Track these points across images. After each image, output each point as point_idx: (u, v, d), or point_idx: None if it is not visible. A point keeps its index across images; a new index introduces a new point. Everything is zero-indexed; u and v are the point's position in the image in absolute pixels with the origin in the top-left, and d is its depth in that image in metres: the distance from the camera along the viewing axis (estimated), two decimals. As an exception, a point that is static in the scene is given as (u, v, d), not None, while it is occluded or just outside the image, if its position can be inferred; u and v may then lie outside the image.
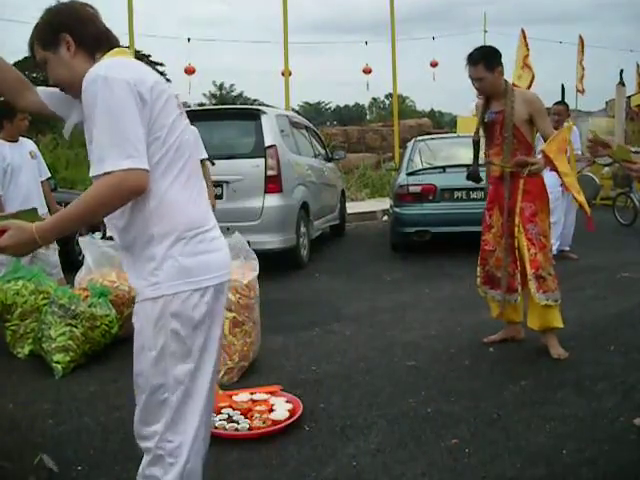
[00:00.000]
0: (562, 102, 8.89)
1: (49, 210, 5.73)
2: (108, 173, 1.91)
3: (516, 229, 4.65)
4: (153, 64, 40.30)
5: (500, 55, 4.69)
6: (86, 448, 3.48)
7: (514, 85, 4.97)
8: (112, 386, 4.34)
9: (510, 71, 9.68)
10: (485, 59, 4.59)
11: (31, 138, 6.43)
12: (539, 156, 4.69)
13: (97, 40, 2.17)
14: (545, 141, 4.61)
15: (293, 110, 18.49)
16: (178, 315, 2.07)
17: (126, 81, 1.95)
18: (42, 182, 5.91)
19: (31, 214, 2.11)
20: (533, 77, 10.70)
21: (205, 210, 2.19)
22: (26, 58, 38.79)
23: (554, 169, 4.57)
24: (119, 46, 2.23)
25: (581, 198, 4.62)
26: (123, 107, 1.94)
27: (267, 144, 7.81)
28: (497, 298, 4.89)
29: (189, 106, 20.04)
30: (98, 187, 1.93)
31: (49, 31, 2.14)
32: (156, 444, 2.12)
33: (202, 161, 6.12)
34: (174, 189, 2.08)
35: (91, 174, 1.96)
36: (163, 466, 2.11)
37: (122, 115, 1.93)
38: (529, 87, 9.15)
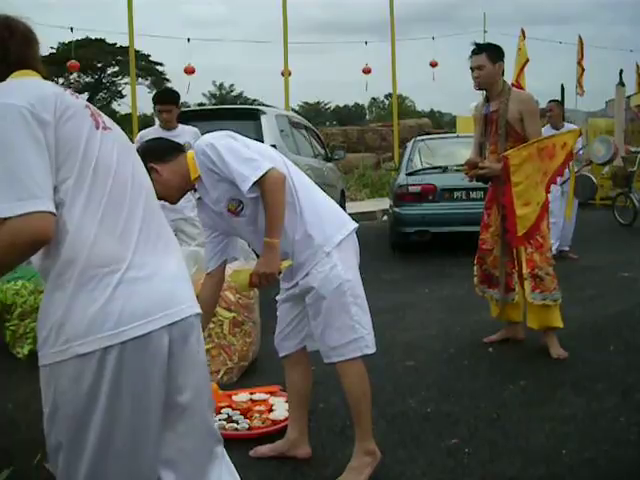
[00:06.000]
0: (555, 100, 8.90)
1: None
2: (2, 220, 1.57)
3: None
4: (153, 64, 40.41)
5: (503, 53, 4.78)
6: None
7: (515, 86, 4.99)
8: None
9: (510, 71, 9.67)
10: (489, 50, 4.74)
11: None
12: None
13: None
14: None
15: (293, 110, 18.49)
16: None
17: (16, 107, 1.64)
18: None
19: None
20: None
21: (125, 244, 1.76)
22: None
23: (507, 177, 4.53)
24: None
25: (521, 212, 4.55)
26: (13, 140, 1.62)
27: (267, 144, 7.78)
28: (495, 297, 4.90)
29: (189, 106, 20.06)
30: None
31: None
32: None
33: None
34: (85, 222, 1.71)
35: None
36: None
37: (12, 150, 1.61)
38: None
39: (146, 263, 1.78)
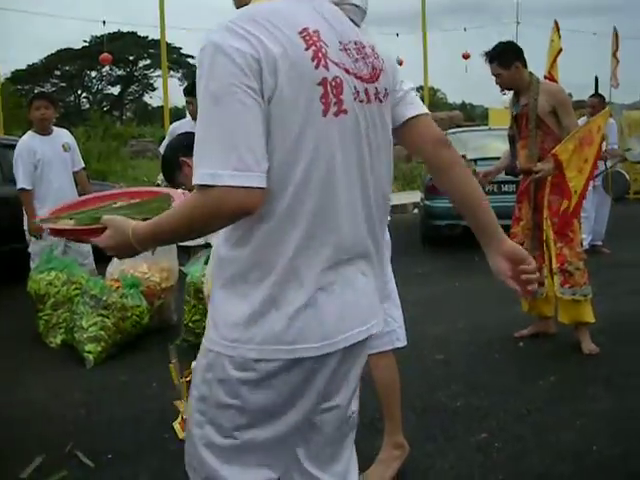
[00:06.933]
0: (597, 94, 8.79)
1: None
2: (206, 186, 1.39)
3: (544, 222, 4.61)
4: (184, 57, 40.62)
5: (518, 50, 4.72)
6: (116, 437, 3.52)
7: (547, 78, 4.93)
8: (142, 376, 4.36)
9: (542, 62, 9.57)
10: (498, 57, 4.67)
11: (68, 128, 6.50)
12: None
13: None
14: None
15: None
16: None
17: (244, 55, 1.38)
18: (77, 173, 5.92)
19: (163, 201, 1.85)
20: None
21: (324, 262, 1.55)
22: (59, 52, 38.73)
23: (561, 173, 4.48)
24: None
25: (573, 201, 4.51)
26: (232, 95, 1.38)
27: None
28: (525, 291, 4.86)
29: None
30: (193, 204, 1.44)
31: None
32: None
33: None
34: (283, 232, 1.50)
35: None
36: None
37: (230, 107, 1.38)
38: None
39: (337, 280, 1.58)
